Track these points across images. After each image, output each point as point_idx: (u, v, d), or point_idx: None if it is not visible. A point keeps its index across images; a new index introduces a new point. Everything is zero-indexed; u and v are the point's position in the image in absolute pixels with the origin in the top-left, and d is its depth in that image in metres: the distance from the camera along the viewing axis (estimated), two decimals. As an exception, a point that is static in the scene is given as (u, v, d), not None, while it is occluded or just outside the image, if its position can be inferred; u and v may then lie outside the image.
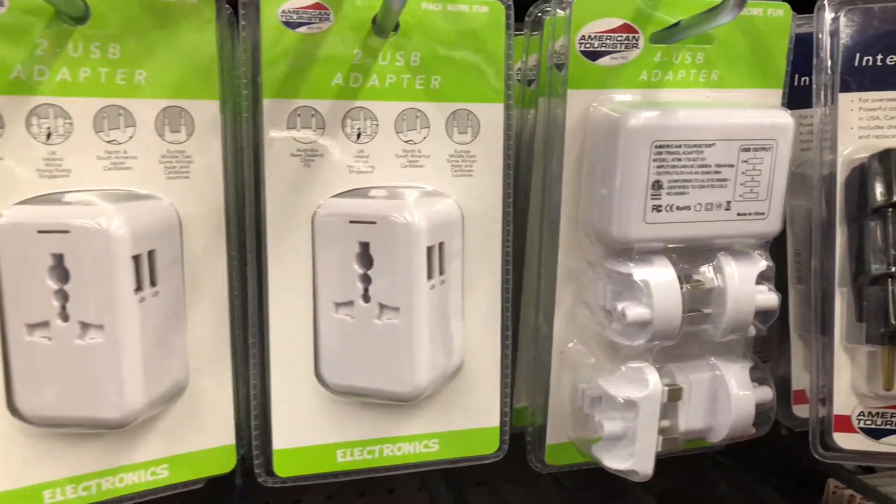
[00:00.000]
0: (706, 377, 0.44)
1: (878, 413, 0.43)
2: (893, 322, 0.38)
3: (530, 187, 0.46)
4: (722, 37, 0.42)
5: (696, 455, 0.52)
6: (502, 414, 0.44)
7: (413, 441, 0.42)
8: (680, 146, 0.39)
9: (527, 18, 0.44)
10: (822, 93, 0.43)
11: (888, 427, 0.43)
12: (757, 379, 0.45)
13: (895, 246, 0.38)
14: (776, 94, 0.44)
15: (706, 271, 0.42)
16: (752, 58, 0.43)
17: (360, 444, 0.41)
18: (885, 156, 0.40)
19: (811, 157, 0.45)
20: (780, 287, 0.50)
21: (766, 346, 0.53)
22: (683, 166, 0.39)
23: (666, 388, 0.43)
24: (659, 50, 0.41)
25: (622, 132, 0.38)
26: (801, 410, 0.49)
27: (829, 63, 0.43)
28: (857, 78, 0.43)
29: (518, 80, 0.47)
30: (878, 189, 0.39)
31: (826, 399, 0.44)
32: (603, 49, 0.41)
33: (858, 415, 0.43)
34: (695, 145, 0.39)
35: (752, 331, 0.43)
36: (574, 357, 0.44)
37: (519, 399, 0.48)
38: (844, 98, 0.43)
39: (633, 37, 0.41)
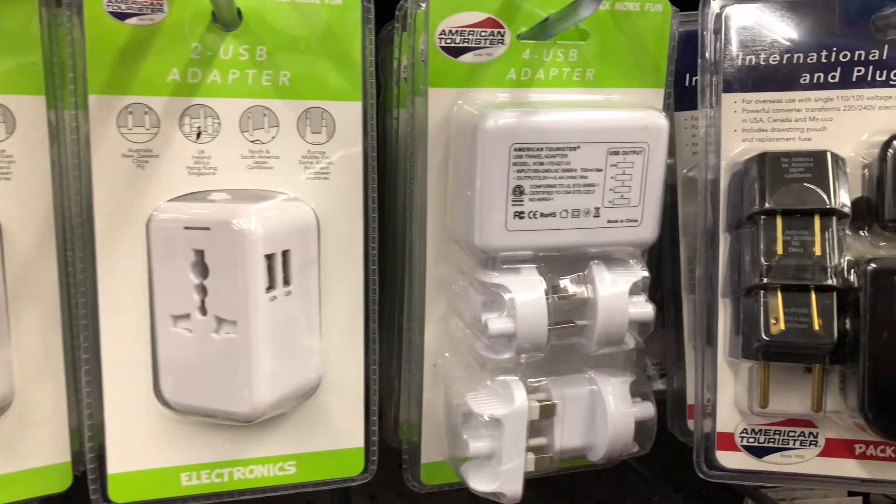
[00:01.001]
0: (584, 392, 0.42)
1: (760, 430, 0.41)
2: (765, 336, 0.35)
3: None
4: (597, 33, 0.40)
5: (622, 468, 0.50)
6: (369, 433, 0.41)
7: (267, 463, 0.39)
8: (542, 149, 0.37)
9: (397, 13, 0.42)
10: (707, 93, 0.41)
11: (771, 445, 0.41)
12: (639, 394, 0.42)
13: (766, 256, 0.36)
14: (658, 95, 0.42)
15: (579, 281, 0.40)
16: (631, 56, 0.41)
17: (206, 468, 0.38)
18: (759, 160, 0.37)
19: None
20: (676, 296, 0.48)
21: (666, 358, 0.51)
22: (546, 171, 0.37)
23: (538, 405, 0.40)
24: (527, 47, 0.39)
25: (479, 134, 0.36)
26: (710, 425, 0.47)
27: (713, 62, 0.41)
28: (741, 78, 0.41)
29: (405, 77, 0.44)
30: (751, 195, 0.37)
31: (711, 415, 0.42)
32: (465, 45, 0.38)
33: (741, 432, 0.41)
34: (558, 148, 0.37)
35: (631, 343, 0.41)
36: (447, 371, 0.42)
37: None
38: (728, 99, 0.41)
39: (499, 32, 0.38)
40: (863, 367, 0.35)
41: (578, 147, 0.37)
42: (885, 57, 0.39)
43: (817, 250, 0.35)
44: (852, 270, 0.36)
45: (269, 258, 0.35)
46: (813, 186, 0.36)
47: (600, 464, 0.43)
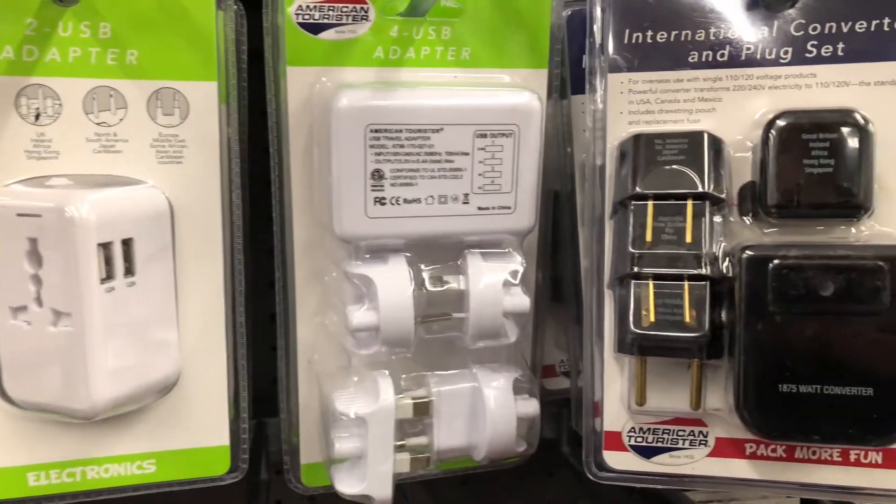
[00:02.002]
0: (466, 389, 0.40)
1: (648, 429, 0.38)
2: (634, 329, 0.33)
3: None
4: (471, 10, 0.38)
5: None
6: (237, 430, 0.39)
7: (123, 462, 0.37)
8: (401, 131, 0.35)
9: (267, -12, 0.40)
10: (594, 74, 0.39)
11: (660, 445, 0.38)
12: (524, 390, 0.40)
13: (635, 243, 0.33)
14: (540, 75, 0.40)
15: (454, 272, 0.38)
16: (510, 34, 0.38)
17: (56, 467, 0.37)
18: (633, 142, 0.35)
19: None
20: (578, 288, 0.46)
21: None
22: (408, 154, 0.35)
23: (411, 402, 0.38)
24: (395, 23, 0.37)
25: (333, 115, 0.34)
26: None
27: (600, 41, 0.39)
28: (627, 57, 0.39)
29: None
30: (623, 180, 0.35)
31: (599, 413, 0.39)
32: (326, 21, 0.36)
33: (629, 431, 0.39)
34: (419, 130, 0.35)
35: (513, 336, 0.39)
36: (321, 367, 0.40)
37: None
38: (614, 79, 0.38)
39: (362, 8, 0.36)
40: (738, 361, 0.33)
41: (442, 129, 0.35)
42: (774, 34, 0.37)
43: (689, 237, 0.33)
44: (727, 259, 0.34)
45: (106, 247, 0.33)
46: (686, 170, 0.34)
47: (484, 464, 0.41)
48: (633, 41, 0.38)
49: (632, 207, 0.34)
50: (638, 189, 0.34)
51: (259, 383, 0.41)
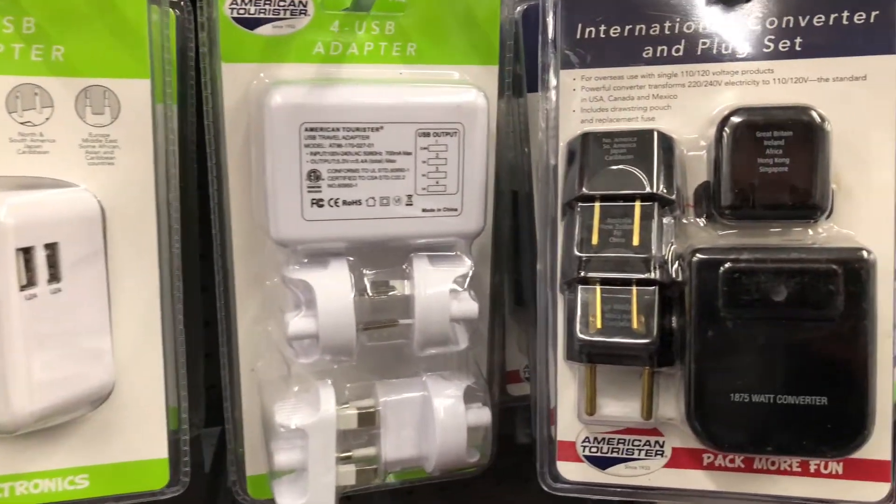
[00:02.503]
0: (415, 398, 0.38)
1: (603, 439, 0.37)
2: (581, 336, 0.32)
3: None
4: (416, 4, 0.36)
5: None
6: (177, 443, 0.38)
7: (54, 477, 0.36)
8: (338, 129, 0.33)
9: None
10: (546, 71, 0.38)
11: (615, 455, 0.37)
12: (477, 399, 0.39)
13: (581, 246, 0.32)
14: (491, 72, 0.38)
15: (401, 276, 0.36)
16: (458, 29, 0.37)
17: (-18, 482, 0.35)
18: (581, 141, 0.34)
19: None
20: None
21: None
22: (346, 154, 0.33)
23: (356, 412, 0.37)
24: (335, 18, 0.35)
25: (266, 113, 0.32)
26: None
27: (552, 36, 0.38)
28: (580, 53, 0.37)
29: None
30: (570, 181, 0.33)
31: (553, 422, 0.38)
32: (262, 16, 0.35)
33: (583, 441, 0.37)
34: (357, 129, 0.33)
35: (463, 343, 0.38)
36: (264, 375, 0.39)
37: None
38: (566, 76, 0.37)
39: (300, 2, 0.35)
40: (688, 369, 0.32)
41: (382, 128, 0.33)
42: (731, 28, 0.36)
43: (636, 240, 0.32)
44: (677, 262, 0.32)
45: (27, 252, 0.32)
46: (634, 169, 0.32)
47: (435, 475, 0.39)
48: (586, 36, 0.37)
49: (578, 209, 0.33)
50: (584, 190, 0.32)
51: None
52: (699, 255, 0.32)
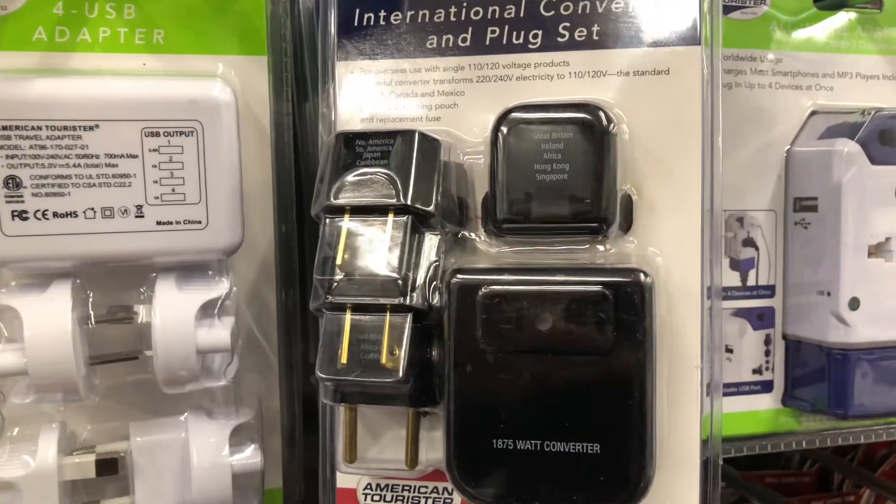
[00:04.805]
0: (172, 440, 0.33)
1: (387, 486, 0.32)
2: (321, 373, 0.27)
3: None
4: (159, -17, 0.31)
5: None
6: None
7: None
8: (41, 128, 0.28)
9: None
10: (325, 63, 0.33)
11: (399, 504, 0.32)
12: (248, 440, 0.34)
13: (323, 267, 0.27)
14: (259, 63, 0.33)
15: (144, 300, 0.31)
16: (214, 14, 0.32)
17: None
18: (334, 143, 0.29)
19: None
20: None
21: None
22: (53, 157, 0.28)
23: (94, 459, 0.32)
24: (59, 0, 0.30)
25: (-53, 108, 0.27)
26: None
27: (332, 23, 0.33)
28: (358, 43, 0.32)
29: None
30: (319, 188, 0.28)
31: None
32: (-35, -7, 0.29)
33: (365, 488, 0.32)
34: (65, 128, 0.28)
35: (221, 377, 0.33)
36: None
37: None
38: (344, 69, 0.32)
39: (10, -22, 0.30)
40: (447, 410, 0.27)
41: (97, 126, 0.28)
42: (522, 14, 0.31)
43: (389, 260, 0.27)
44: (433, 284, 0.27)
45: None
46: (387, 176, 0.27)
47: (201, 527, 0.34)
48: (364, 23, 0.32)
49: (326, 222, 0.28)
50: (331, 200, 0.28)
51: None
52: (458, 277, 0.27)
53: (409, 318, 0.27)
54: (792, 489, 0.62)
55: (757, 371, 0.39)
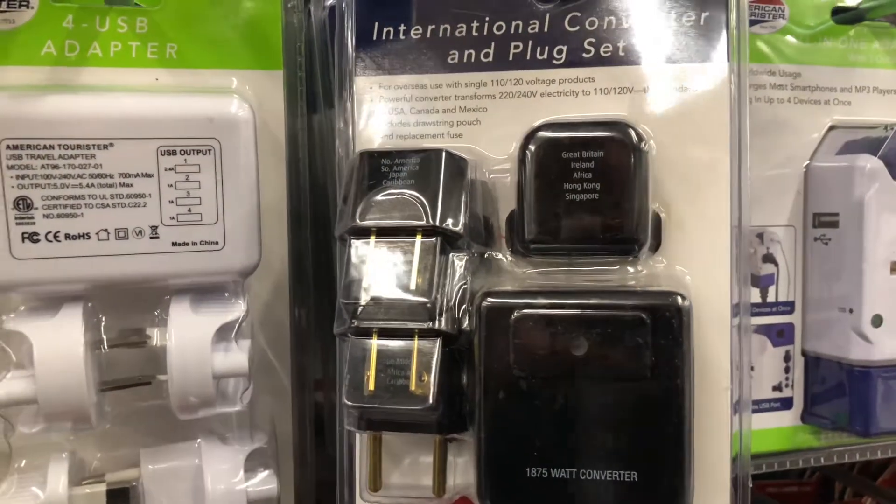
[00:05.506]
0: (186, 468, 0.32)
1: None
2: (347, 400, 0.26)
3: None
4: (172, -2, 0.30)
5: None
6: None
7: None
8: (53, 147, 0.27)
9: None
10: (342, 78, 0.32)
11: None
12: (264, 465, 0.33)
13: (350, 290, 0.26)
14: (274, 78, 0.32)
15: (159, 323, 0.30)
16: (227, 28, 0.31)
17: None
18: (358, 162, 0.28)
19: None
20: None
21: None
22: (66, 177, 0.27)
23: (105, 488, 0.30)
24: (69, 12, 0.29)
25: (-45, 126, 0.26)
26: None
27: (349, 37, 0.32)
28: (377, 57, 0.32)
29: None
30: (343, 210, 0.27)
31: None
32: (-30, 6, 0.28)
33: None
34: (79, 146, 0.27)
35: (238, 402, 0.32)
36: None
37: None
38: (363, 84, 0.32)
39: (21, -9, 0.29)
40: (478, 438, 0.26)
41: (111, 145, 0.27)
42: (546, 29, 0.31)
43: (416, 282, 0.26)
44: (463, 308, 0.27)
45: None
46: (415, 198, 0.27)
47: (216, 557, 0.33)
48: (384, 37, 0.31)
49: (351, 243, 0.27)
50: (357, 221, 0.27)
51: None
52: (489, 300, 0.26)
53: (439, 342, 0.26)
54: (794, 498, 0.62)
55: (777, 388, 0.39)
